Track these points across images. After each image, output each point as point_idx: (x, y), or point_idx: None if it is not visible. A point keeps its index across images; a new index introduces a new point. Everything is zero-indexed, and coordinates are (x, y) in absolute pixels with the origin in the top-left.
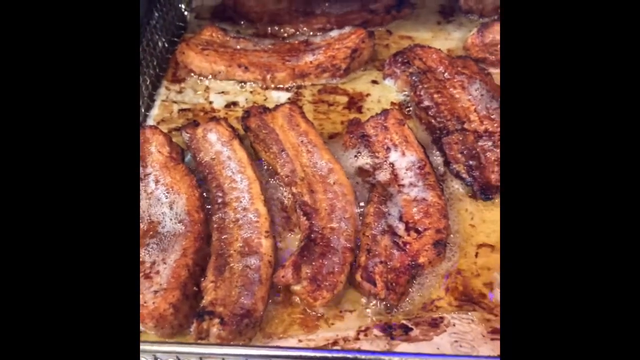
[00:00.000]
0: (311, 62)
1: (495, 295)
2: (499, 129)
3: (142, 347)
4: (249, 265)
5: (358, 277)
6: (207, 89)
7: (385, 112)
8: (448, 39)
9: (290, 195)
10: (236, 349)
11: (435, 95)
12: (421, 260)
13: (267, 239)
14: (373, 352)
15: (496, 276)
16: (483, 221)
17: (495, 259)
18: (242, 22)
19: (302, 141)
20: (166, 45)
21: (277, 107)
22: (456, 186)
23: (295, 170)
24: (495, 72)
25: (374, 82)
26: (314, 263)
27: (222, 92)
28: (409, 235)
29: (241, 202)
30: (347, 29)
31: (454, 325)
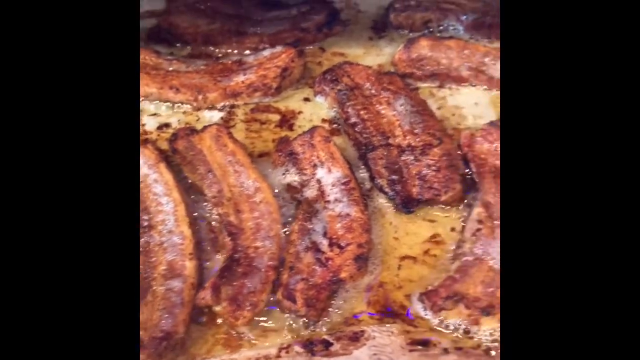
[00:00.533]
0: (242, 82)
1: (414, 306)
2: (421, 143)
3: None
4: (172, 288)
5: (279, 295)
6: (140, 111)
7: (311, 130)
8: (380, 55)
9: (217, 216)
10: None
11: (362, 112)
12: (342, 275)
13: (191, 261)
14: None
15: (417, 288)
16: (407, 234)
17: (417, 270)
18: (177, 44)
19: (229, 161)
20: None
21: (205, 128)
22: (382, 200)
23: (222, 191)
24: (424, 86)
25: (306, 99)
26: (234, 283)
27: (155, 114)
28: (331, 250)
29: (166, 224)
30: (278, 48)
31: (374, 338)
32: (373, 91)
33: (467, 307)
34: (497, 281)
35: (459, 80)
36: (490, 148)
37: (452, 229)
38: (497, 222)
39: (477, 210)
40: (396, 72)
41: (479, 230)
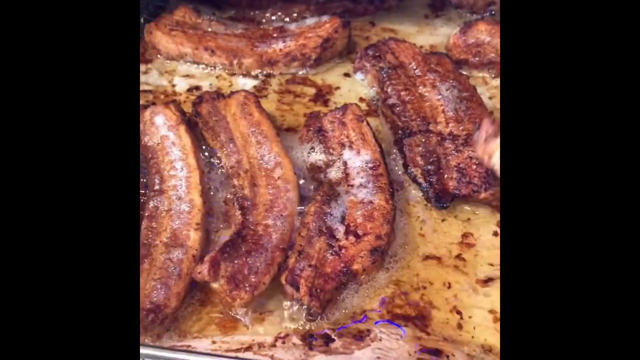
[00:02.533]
0: (281, 50)
1: (434, 315)
2: (464, 133)
3: None
4: (171, 258)
5: (282, 280)
6: (173, 71)
7: (344, 107)
8: (433, 34)
9: (232, 188)
10: None
11: (403, 93)
12: (355, 267)
13: (197, 231)
14: None
15: (438, 293)
16: (434, 231)
17: (439, 272)
18: (221, 5)
19: (252, 131)
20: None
21: (232, 94)
22: (413, 191)
23: (241, 162)
24: (479, 75)
25: (346, 75)
26: (236, 261)
27: (188, 76)
28: (347, 239)
29: (177, 191)
30: (324, 18)
31: (380, 340)
32: (418, 72)
33: None
34: None
35: None
36: None
37: (495, 234)
38: None
39: None
40: (445, 53)
41: None
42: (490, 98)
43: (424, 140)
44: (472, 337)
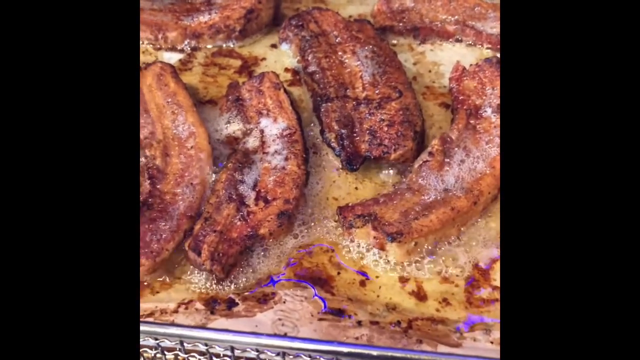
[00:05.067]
0: (205, 23)
1: (341, 276)
2: (379, 96)
3: None
4: None
5: (186, 246)
6: None
7: (261, 75)
8: (363, 4)
9: (143, 158)
10: None
11: (323, 60)
12: (262, 231)
13: None
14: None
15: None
16: (348, 194)
17: None
18: None
19: (168, 102)
20: None
21: (148, 65)
22: (331, 157)
23: (155, 132)
24: (405, 42)
25: (273, 46)
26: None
27: None
28: (256, 205)
29: None
30: None
31: (284, 302)
32: (339, 39)
33: (374, 228)
34: (420, 215)
35: (444, 36)
36: (477, 86)
37: None
38: (448, 160)
39: (434, 142)
40: (367, 20)
41: (426, 162)
42: (414, 64)
43: (340, 105)
44: (378, 296)
